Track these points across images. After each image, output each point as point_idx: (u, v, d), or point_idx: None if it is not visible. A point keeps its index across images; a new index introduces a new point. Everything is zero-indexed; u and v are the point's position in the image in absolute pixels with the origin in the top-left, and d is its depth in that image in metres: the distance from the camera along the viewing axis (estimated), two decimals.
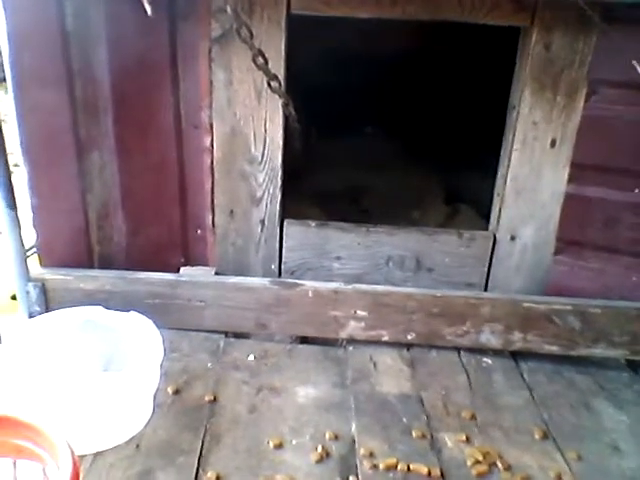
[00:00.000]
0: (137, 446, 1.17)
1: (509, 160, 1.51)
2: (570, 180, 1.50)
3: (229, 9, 1.30)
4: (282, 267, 1.62)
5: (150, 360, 1.19)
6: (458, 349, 1.54)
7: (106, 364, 1.29)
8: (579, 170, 1.49)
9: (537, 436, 1.27)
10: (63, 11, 1.37)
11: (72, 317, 1.30)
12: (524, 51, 1.46)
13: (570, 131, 1.46)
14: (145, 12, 1.26)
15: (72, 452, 0.90)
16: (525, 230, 1.56)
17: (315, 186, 2.13)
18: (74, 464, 0.89)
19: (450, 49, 2.50)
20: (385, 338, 1.53)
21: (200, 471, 1.12)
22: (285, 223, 1.58)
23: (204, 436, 1.21)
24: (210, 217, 1.58)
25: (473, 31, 1.43)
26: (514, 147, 1.49)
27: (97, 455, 1.14)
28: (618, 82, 1.40)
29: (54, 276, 1.49)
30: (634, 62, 1.19)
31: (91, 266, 1.58)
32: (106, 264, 1.59)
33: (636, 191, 1.47)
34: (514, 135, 1.48)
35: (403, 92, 2.62)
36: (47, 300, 1.49)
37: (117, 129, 1.49)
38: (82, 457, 1.12)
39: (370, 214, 1.96)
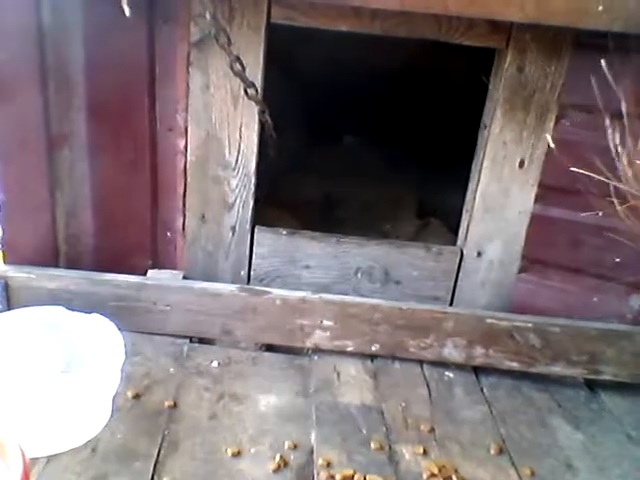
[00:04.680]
0: (93, 450, 1.16)
1: (479, 177, 1.54)
2: (537, 200, 1.53)
3: (208, 15, 1.31)
4: (251, 274, 1.62)
5: (110, 363, 1.18)
6: (421, 362, 1.55)
7: (66, 366, 1.27)
8: (546, 191, 1.52)
9: (493, 451, 1.28)
10: (40, 6, 1.36)
11: (33, 317, 1.28)
12: (498, 72, 1.49)
13: (539, 153, 1.49)
14: (123, 13, 1.25)
15: (22, 454, 0.89)
16: (491, 247, 1.58)
17: (291, 193, 2.14)
18: (24, 466, 0.87)
19: (431, 65, 2.54)
20: (350, 348, 1.54)
21: (155, 477, 1.11)
22: (256, 230, 1.58)
23: (162, 442, 1.20)
24: (181, 221, 1.57)
25: (457, 46, 1.46)
26: (484, 165, 1.52)
27: (51, 458, 1.12)
28: (587, 107, 1.43)
29: (17, 274, 1.46)
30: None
31: (57, 265, 1.56)
32: (73, 264, 1.57)
33: (600, 214, 1.51)
34: (484, 154, 1.51)
35: (385, 103, 2.65)
36: (9, 298, 1.46)
37: (90, 127, 1.47)
38: (36, 460, 1.10)
39: (343, 224, 1.97)
